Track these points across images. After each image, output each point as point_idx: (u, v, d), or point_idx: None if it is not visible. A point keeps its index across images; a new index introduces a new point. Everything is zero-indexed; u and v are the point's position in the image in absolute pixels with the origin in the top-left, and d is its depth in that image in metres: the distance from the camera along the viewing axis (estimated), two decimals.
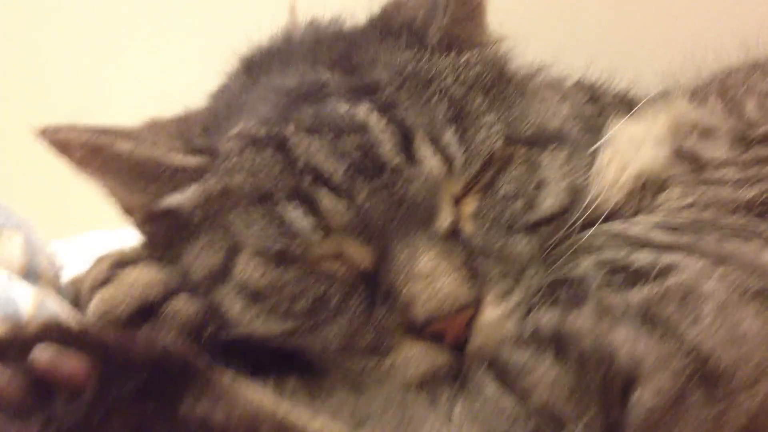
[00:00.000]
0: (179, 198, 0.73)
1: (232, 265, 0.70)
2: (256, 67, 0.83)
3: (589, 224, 0.73)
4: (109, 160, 0.73)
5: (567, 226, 0.72)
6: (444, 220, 0.68)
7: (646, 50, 1.17)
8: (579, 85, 0.96)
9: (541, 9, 1.24)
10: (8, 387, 0.50)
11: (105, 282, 0.72)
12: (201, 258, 0.72)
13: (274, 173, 0.68)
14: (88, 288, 0.72)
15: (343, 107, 0.70)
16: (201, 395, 0.53)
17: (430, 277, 0.65)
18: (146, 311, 0.70)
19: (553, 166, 0.74)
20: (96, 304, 0.70)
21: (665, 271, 0.64)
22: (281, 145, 0.69)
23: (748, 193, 0.70)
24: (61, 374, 0.50)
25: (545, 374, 0.61)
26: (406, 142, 0.68)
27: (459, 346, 0.66)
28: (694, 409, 0.57)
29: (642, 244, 0.68)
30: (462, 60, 0.76)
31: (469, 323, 0.66)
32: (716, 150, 0.76)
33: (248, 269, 0.69)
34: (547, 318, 0.64)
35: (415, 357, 0.66)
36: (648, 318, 0.61)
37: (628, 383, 0.59)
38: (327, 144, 0.68)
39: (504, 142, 0.72)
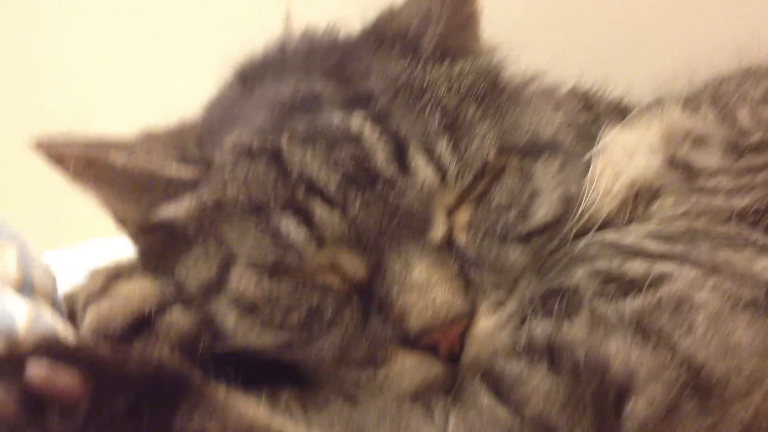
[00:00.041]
0: (173, 209, 0.73)
1: (226, 276, 0.70)
2: (250, 77, 0.83)
3: (582, 233, 0.73)
4: (103, 171, 0.73)
5: (560, 236, 0.73)
6: (437, 230, 0.68)
7: (640, 58, 1.17)
8: (573, 92, 0.96)
9: (535, 16, 1.24)
10: (2, 403, 0.50)
11: (99, 296, 0.72)
12: (195, 270, 0.72)
13: (268, 184, 0.68)
14: (83, 302, 0.72)
15: (336, 118, 0.70)
16: (194, 410, 0.53)
17: (423, 288, 0.65)
18: (141, 324, 0.70)
19: (546, 175, 0.74)
20: (91, 319, 0.70)
21: (658, 281, 0.64)
22: (275, 156, 0.69)
23: (741, 202, 0.71)
24: (55, 390, 0.50)
25: (539, 385, 0.61)
26: (399, 153, 0.68)
27: (453, 357, 0.66)
28: (687, 420, 0.57)
29: (635, 253, 0.69)
30: (455, 69, 0.76)
31: (463, 334, 0.66)
32: (709, 158, 0.77)
33: (242, 281, 0.69)
34: (540, 328, 0.65)
35: (410, 368, 0.66)
36: (641, 328, 0.61)
37: (621, 394, 0.59)
38: (321, 155, 0.68)
39: (497, 151, 0.72)
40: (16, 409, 0.50)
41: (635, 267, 0.66)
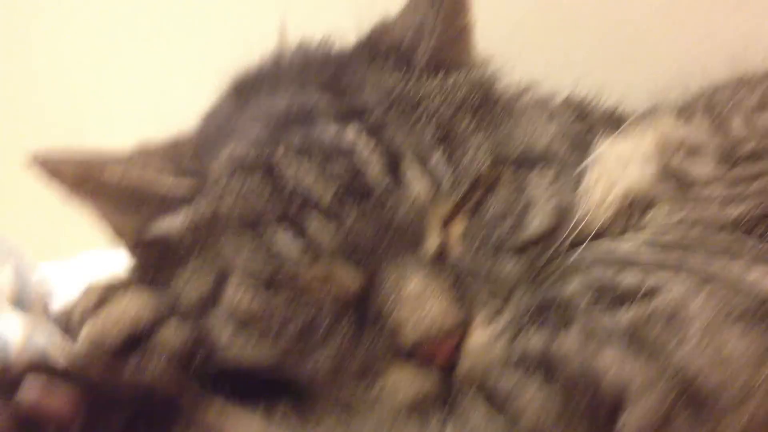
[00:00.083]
0: (169, 224, 0.73)
1: (221, 290, 0.70)
2: (245, 89, 0.83)
3: (577, 243, 0.73)
4: (98, 187, 0.73)
5: (555, 246, 0.73)
6: (432, 242, 0.69)
7: (635, 66, 1.17)
8: (567, 102, 0.96)
9: (529, 26, 1.24)
10: None
11: (95, 311, 0.72)
12: (191, 284, 0.72)
13: (263, 197, 0.69)
14: (78, 318, 0.72)
15: (331, 130, 0.70)
16: (187, 429, 0.53)
17: (418, 300, 0.65)
18: (136, 339, 0.70)
19: (540, 186, 0.75)
20: (86, 335, 0.70)
21: (652, 292, 0.64)
22: (270, 169, 0.69)
23: (735, 211, 0.71)
24: (48, 410, 0.50)
25: (533, 398, 0.61)
26: (393, 165, 0.68)
27: (449, 369, 0.66)
28: (681, 430, 0.57)
29: (629, 263, 0.69)
30: (449, 82, 0.76)
31: (459, 346, 0.66)
32: (703, 167, 0.77)
33: (238, 294, 0.69)
34: (535, 340, 0.65)
35: (405, 381, 0.66)
36: (634, 339, 0.61)
37: (616, 405, 0.59)
38: (315, 168, 0.68)
39: (491, 163, 0.72)
40: (10, 428, 0.50)
41: (629, 278, 0.66)
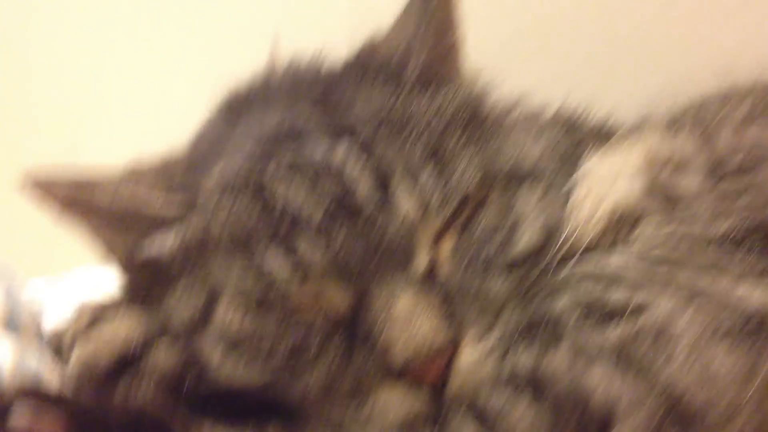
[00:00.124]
0: (159, 245, 0.73)
1: (211, 312, 0.71)
2: (236, 108, 0.83)
3: (566, 259, 0.73)
4: (90, 207, 0.74)
5: (544, 263, 0.73)
6: (421, 260, 0.69)
7: (624, 79, 1.18)
8: (557, 116, 0.96)
9: (519, 40, 1.25)
10: None
11: (86, 334, 0.72)
12: (181, 305, 0.72)
13: (254, 216, 0.69)
14: (69, 340, 0.72)
15: (320, 150, 0.70)
16: None
17: (407, 319, 0.65)
18: (127, 362, 0.71)
19: (529, 202, 0.75)
20: (77, 357, 0.70)
21: (639, 308, 0.65)
22: (260, 188, 0.70)
23: (723, 225, 0.71)
24: None
25: (523, 417, 0.61)
26: (383, 183, 0.69)
27: (439, 388, 0.66)
28: None
29: (618, 279, 0.69)
30: (438, 99, 0.76)
31: (448, 365, 0.66)
32: (690, 182, 0.77)
33: (228, 315, 0.70)
34: (524, 358, 0.65)
35: (395, 400, 0.67)
36: (622, 358, 0.61)
37: (604, 423, 0.59)
38: (304, 188, 0.69)
39: (481, 179, 0.73)
40: None
41: (617, 295, 0.67)
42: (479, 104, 0.80)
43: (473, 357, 0.67)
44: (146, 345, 0.72)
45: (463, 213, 0.72)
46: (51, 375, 0.66)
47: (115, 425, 0.51)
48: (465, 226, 0.72)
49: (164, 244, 0.73)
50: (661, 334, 0.62)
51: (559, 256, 0.73)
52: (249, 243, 0.68)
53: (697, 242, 0.71)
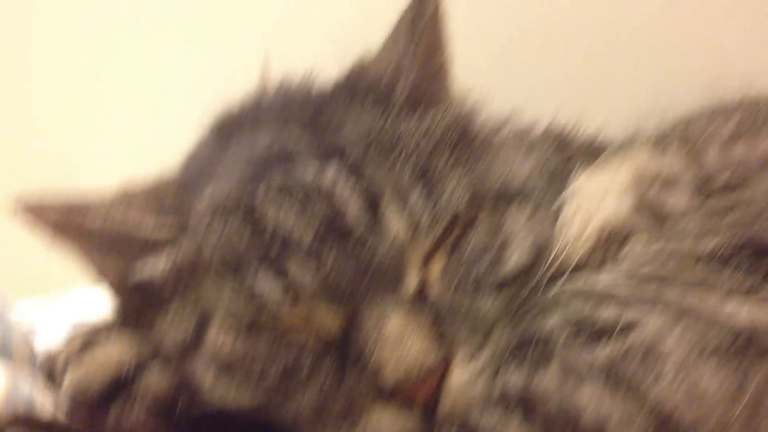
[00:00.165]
0: (151, 268, 0.73)
1: (203, 335, 0.71)
2: (227, 129, 0.84)
3: (556, 278, 0.74)
4: (81, 231, 0.74)
5: (534, 282, 0.74)
6: (411, 280, 0.69)
7: (613, 94, 1.19)
8: (547, 133, 0.97)
9: (509, 56, 1.26)
10: None
11: (78, 359, 0.72)
12: (172, 329, 0.73)
13: (244, 239, 0.69)
14: (62, 365, 0.73)
15: (310, 172, 0.71)
16: None
17: (398, 340, 0.66)
18: (119, 386, 0.71)
19: (518, 221, 0.75)
20: (69, 382, 0.71)
21: (628, 327, 0.65)
22: (251, 210, 0.70)
23: (710, 243, 0.71)
24: None
25: None
26: (372, 205, 0.69)
27: (430, 409, 0.67)
28: None
29: (607, 297, 0.69)
30: (427, 119, 0.77)
31: (439, 385, 0.67)
32: (678, 200, 0.77)
33: (219, 339, 0.70)
34: (514, 378, 0.65)
35: (387, 420, 0.67)
36: (611, 377, 0.62)
37: None
38: (295, 210, 0.69)
39: (470, 199, 0.73)
40: None
41: (606, 313, 0.67)
42: (468, 124, 0.81)
43: (464, 377, 0.68)
44: (138, 368, 0.72)
45: (453, 233, 0.72)
46: (44, 399, 0.66)
47: None
48: (455, 246, 0.72)
49: (156, 266, 0.73)
50: (650, 353, 0.62)
51: (548, 275, 0.74)
52: (240, 265, 0.69)
53: (686, 259, 0.71)
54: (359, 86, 0.81)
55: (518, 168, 0.80)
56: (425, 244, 0.71)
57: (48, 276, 1.12)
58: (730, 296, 0.67)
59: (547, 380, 0.63)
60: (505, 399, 0.64)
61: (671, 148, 0.84)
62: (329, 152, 0.72)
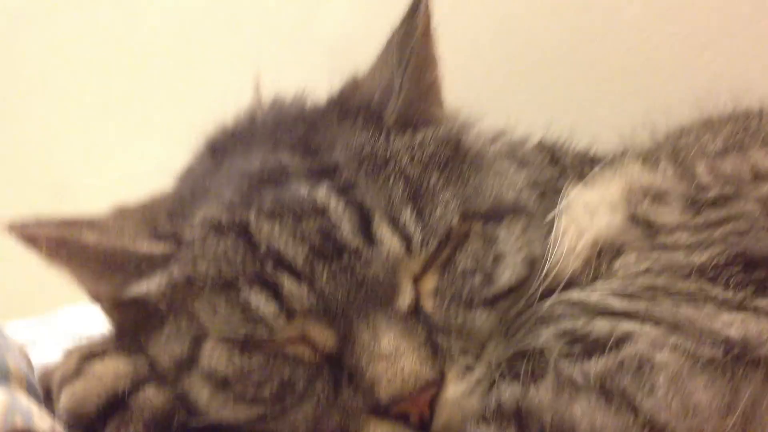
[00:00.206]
0: (145, 287, 0.74)
1: (198, 353, 0.71)
2: (220, 149, 0.84)
3: (548, 293, 0.74)
4: (75, 251, 0.74)
5: (526, 297, 0.74)
6: (404, 298, 0.70)
7: (605, 108, 1.19)
8: (539, 147, 0.97)
9: (502, 70, 1.27)
10: None
11: (74, 377, 0.73)
12: (167, 346, 0.73)
13: (237, 259, 0.69)
14: (58, 383, 0.73)
15: (303, 191, 0.71)
16: None
17: (392, 357, 0.66)
18: (115, 403, 0.71)
19: (509, 238, 0.76)
20: (66, 400, 0.71)
21: (621, 341, 0.65)
22: (243, 231, 0.70)
23: (701, 258, 0.72)
24: None
25: None
26: (364, 224, 0.70)
27: (424, 425, 0.67)
28: None
29: (599, 312, 0.70)
30: (417, 138, 0.77)
31: (433, 401, 0.67)
32: (668, 214, 0.78)
33: (214, 356, 0.70)
34: (508, 392, 0.65)
35: None
36: (605, 390, 0.62)
37: None
38: (288, 228, 0.69)
39: (461, 217, 0.73)
40: None
41: (599, 326, 0.68)
42: (460, 140, 0.81)
43: (458, 392, 0.68)
44: (134, 385, 0.72)
45: (445, 251, 0.73)
46: (39, 422, 0.66)
47: None
48: (447, 263, 0.73)
49: (149, 286, 0.73)
50: (642, 366, 0.62)
51: (541, 289, 0.74)
52: (233, 284, 0.69)
53: (677, 274, 0.71)
54: (351, 105, 0.81)
55: (510, 184, 0.81)
56: (418, 261, 0.71)
57: (40, 295, 1.12)
58: (722, 308, 0.67)
59: (541, 394, 0.64)
60: (500, 413, 0.65)
61: (662, 162, 0.84)
62: (321, 172, 0.73)
